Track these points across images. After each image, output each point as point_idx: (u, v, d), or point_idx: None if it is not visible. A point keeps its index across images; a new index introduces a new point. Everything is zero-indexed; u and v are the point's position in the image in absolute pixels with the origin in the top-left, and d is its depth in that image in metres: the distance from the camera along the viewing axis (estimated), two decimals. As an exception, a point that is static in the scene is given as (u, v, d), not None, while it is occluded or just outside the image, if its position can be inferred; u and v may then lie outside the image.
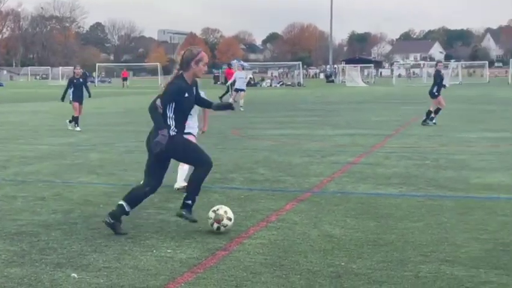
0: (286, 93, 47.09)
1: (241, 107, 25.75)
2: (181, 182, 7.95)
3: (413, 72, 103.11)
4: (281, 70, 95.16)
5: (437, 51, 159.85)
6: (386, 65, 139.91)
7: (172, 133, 5.95)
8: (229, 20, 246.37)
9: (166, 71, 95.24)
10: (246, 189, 7.75)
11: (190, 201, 6.09)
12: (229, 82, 27.50)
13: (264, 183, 8.84)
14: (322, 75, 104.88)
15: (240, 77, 28.17)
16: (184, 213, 6.09)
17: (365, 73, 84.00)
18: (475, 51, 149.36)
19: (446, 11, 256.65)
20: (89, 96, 18.36)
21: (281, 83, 73.28)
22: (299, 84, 68.69)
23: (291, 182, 8.85)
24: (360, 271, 4.83)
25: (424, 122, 17.93)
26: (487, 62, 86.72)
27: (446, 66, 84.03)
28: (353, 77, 70.74)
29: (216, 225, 5.96)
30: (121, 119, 21.89)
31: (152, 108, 5.94)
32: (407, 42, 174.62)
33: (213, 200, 7.45)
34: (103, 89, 59.40)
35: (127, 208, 6.01)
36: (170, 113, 6.00)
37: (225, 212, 6.00)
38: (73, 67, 20.09)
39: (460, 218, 6.49)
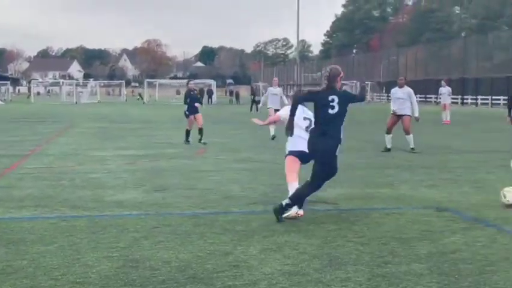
0: None
1: None
2: None
3: (51, 90, 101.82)
4: None
5: (76, 69, 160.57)
6: (24, 82, 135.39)
7: None
8: None
9: None
10: None
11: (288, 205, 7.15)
12: None
13: None
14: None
15: None
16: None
17: (2, 90, 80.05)
18: (112, 70, 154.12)
19: (83, 31, 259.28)
20: None
21: None
22: None
23: None
24: (-15, 304, 4.53)
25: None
26: (124, 81, 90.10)
27: (85, 85, 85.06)
28: (-12, 94, 66.89)
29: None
30: None
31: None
32: (45, 59, 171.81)
33: None
34: None
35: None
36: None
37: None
38: None
39: (93, 238, 6.56)
